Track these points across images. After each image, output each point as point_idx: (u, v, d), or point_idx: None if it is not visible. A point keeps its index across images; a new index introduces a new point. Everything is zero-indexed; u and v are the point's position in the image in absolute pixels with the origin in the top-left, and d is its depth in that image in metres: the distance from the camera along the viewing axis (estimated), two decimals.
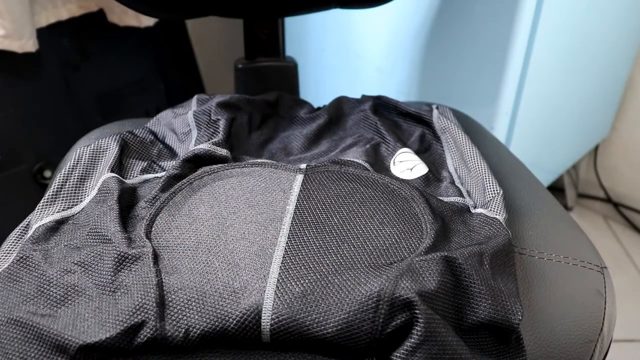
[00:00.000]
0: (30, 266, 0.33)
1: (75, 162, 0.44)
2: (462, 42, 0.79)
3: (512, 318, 0.31)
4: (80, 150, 0.45)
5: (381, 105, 0.56)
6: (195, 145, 0.46)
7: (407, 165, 0.46)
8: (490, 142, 0.54)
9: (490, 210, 0.39)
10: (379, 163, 0.46)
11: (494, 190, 0.41)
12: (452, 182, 0.44)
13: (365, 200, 0.38)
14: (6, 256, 0.36)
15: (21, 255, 0.34)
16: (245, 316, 0.29)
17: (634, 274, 1.10)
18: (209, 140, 0.47)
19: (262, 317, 0.29)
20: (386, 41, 0.91)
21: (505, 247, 0.35)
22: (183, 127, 0.51)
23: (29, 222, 0.39)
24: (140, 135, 0.49)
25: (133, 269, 0.32)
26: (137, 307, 0.29)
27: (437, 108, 0.53)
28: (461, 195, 0.42)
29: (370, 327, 0.28)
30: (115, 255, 0.32)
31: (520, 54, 0.74)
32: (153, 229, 0.36)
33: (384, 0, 0.65)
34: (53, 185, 0.41)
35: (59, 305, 0.30)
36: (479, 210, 0.40)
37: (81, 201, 0.40)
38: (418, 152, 0.49)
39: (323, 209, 0.37)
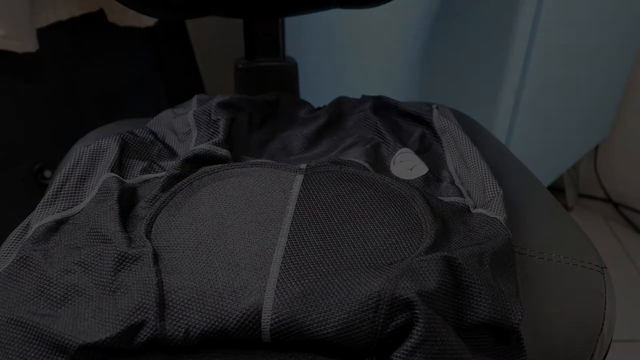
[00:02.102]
0: (30, 266, 0.33)
1: (75, 162, 0.44)
2: (463, 42, 0.79)
3: (512, 318, 0.31)
4: (80, 150, 0.45)
5: (381, 105, 0.56)
6: (195, 145, 0.46)
7: (407, 165, 0.46)
8: (490, 142, 0.54)
9: (490, 210, 0.39)
10: (379, 163, 0.46)
11: (494, 190, 0.41)
12: (452, 182, 0.44)
13: (365, 200, 0.38)
14: (6, 256, 0.36)
15: (21, 255, 0.34)
16: (245, 316, 0.29)
17: (634, 274, 1.10)
18: (209, 140, 0.47)
19: (262, 317, 0.29)
20: (386, 41, 0.91)
21: (505, 247, 0.35)
22: (183, 127, 0.51)
23: (29, 222, 0.39)
24: (140, 135, 0.49)
25: (133, 269, 0.32)
26: (137, 306, 0.29)
27: (437, 108, 0.53)
28: (461, 195, 0.42)
29: (370, 327, 0.28)
30: (115, 255, 0.32)
31: (520, 54, 0.74)
32: (153, 229, 0.36)
33: (384, 0, 0.65)
34: (53, 185, 0.41)
35: (59, 305, 0.30)
36: (479, 210, 0.40)
37: (81, 201, 0.40)
38: (418, 152, 0.49)
39: (323, 209, 0.37)
